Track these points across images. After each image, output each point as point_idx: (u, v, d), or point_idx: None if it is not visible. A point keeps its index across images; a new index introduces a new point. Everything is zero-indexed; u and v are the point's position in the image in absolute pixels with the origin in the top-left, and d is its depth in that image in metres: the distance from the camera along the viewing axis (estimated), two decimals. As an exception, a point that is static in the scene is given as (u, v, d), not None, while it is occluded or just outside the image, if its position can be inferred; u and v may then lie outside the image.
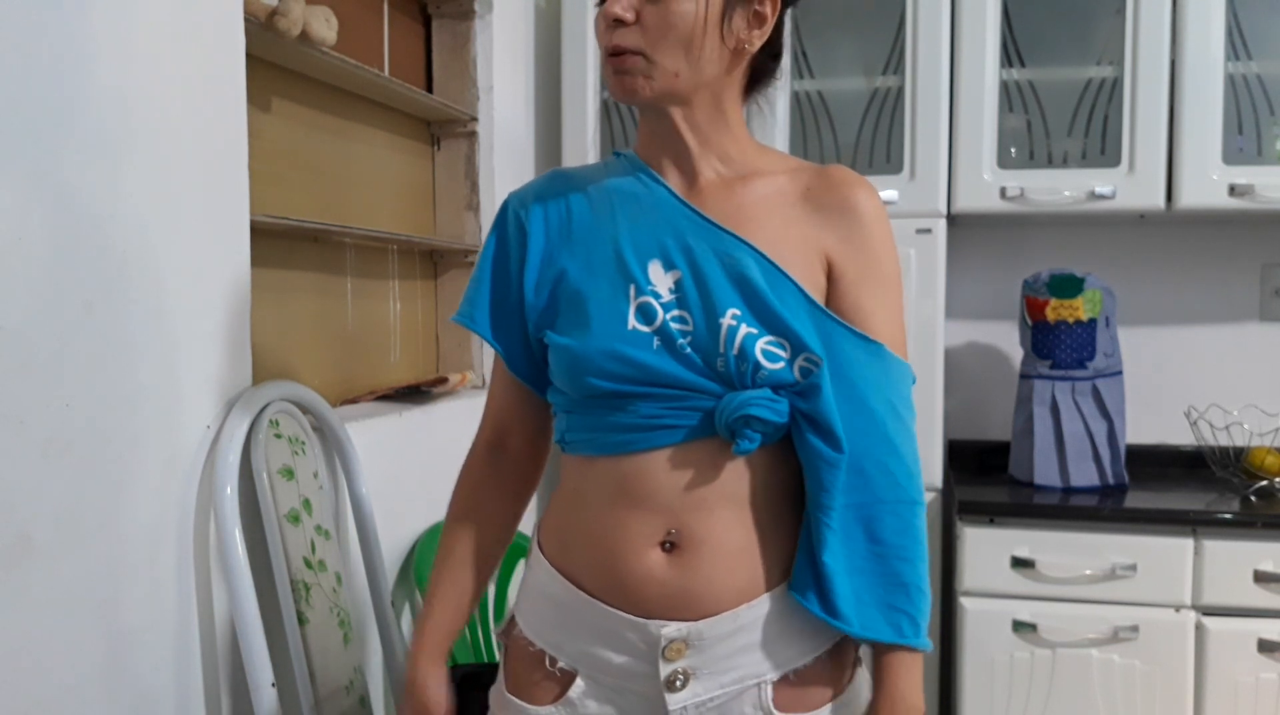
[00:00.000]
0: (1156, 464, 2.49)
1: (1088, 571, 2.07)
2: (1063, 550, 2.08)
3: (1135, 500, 2.17)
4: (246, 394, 1.42)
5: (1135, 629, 2.05)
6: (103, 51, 1.18)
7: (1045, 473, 2.28)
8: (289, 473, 1.47)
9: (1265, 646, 2.01)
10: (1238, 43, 2.21)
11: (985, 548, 2.11)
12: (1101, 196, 2.21)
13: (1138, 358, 2.50)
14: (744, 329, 1.01)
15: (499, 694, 1.15)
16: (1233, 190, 2.17)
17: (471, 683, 1.60)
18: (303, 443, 1.54)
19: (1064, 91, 2.32)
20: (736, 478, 1.04)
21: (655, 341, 1.03)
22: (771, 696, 1.05)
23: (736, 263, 1.04)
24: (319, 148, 1.81)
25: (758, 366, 1.00)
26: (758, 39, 1.07)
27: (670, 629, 1.03)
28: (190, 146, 1.33)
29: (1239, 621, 2.03)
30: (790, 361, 1.01)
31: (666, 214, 1.08)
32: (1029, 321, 2.32)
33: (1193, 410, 2.41)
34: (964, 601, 2.13)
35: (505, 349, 1.14)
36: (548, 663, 1.10)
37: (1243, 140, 2.24)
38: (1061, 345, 2.28)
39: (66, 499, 1.13)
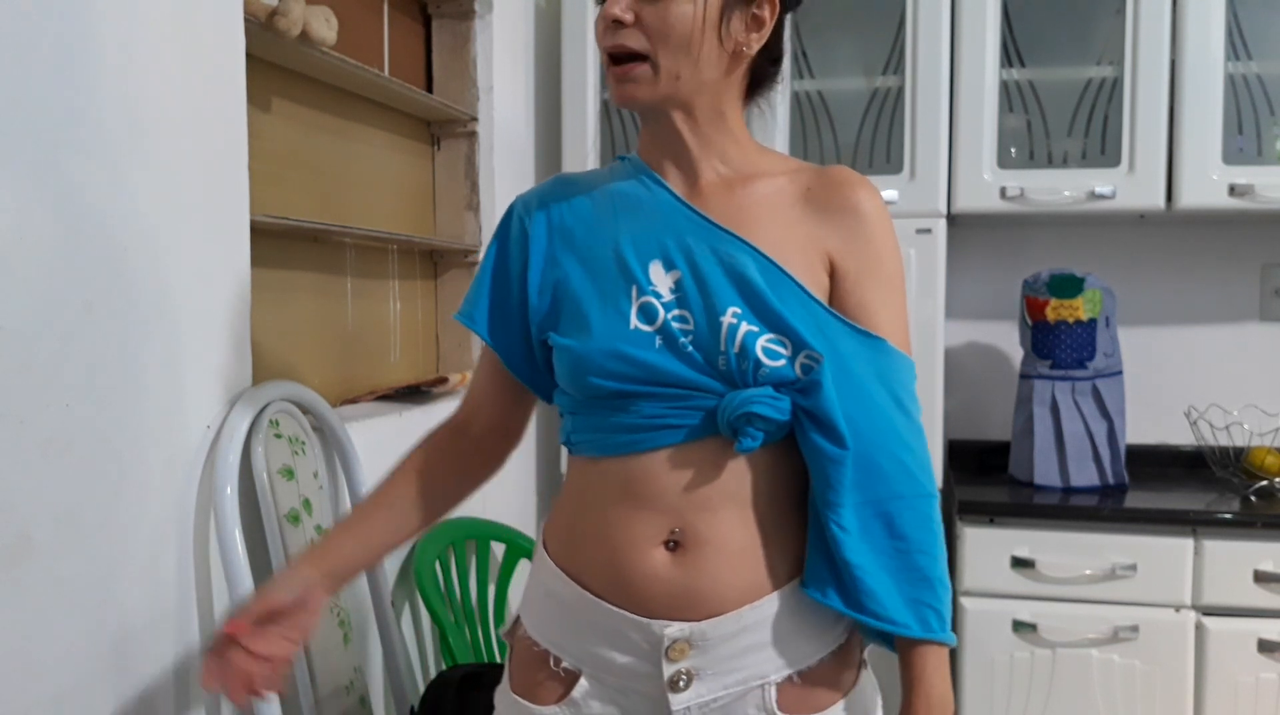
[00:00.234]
0: (1156, 464, 2.49)
1: (1088, 571, 2.07)
2: (1063, 550, 2.08)
3: (1135, 500, 2.17)
4: (247, 394, 1.42)
5: (1135, 629, 2.05)
6: (103, 52, 1.18)
7: (1045, 473, 2.28)
8: (289, 473, 1.47)
9: (1265, 646, 2.01)
10: (1238, 43, 2.21)
11: (985, 548, 2.11)
12: (1101, 196, 2.21)
13: (1138, 358, 2.50)
14: (744, 327, 1.01)
15: (504, 693, 1.15)
16: (1233, 190, 2.17)
17: (472, 683, 1.60)
18: (303, 443, 1.54)
19: (1064, 91, 2.32)
20: (740, 477, 1.04)
21: (657, 341, 1.03)
22: (775, 698, 1.04)
23: (735, 262, 1.04)
24: (319, 148, 1.81)
25: (759, 364, 1.01)
26: (756, 42, 1.07)
27: (673, 629, 1.03)
28: (190, 146, 1.32)
29: (1239, 621, 2.03)
30: (791, 359, 1.02)
31: (667, 215, 1.09)
32: (1029, 321, 2.32)
33: (1193, 410, 2.41)
34: (964, 601, 2.13)
35: (504, 350, 1.15)
36: (552, 663, 1.10)
37: (1243, 140, 2.25)
38: (1061, 345, 2.28)
39: (66, 499, 1.13)
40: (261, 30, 1.48)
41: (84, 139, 1.15)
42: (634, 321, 1.04)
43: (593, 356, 1.03)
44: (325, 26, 1.57)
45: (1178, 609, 2.05)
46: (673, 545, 1.04)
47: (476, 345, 2.24)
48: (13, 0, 1.06)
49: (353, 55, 1.73)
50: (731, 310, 1.02)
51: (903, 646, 1.05)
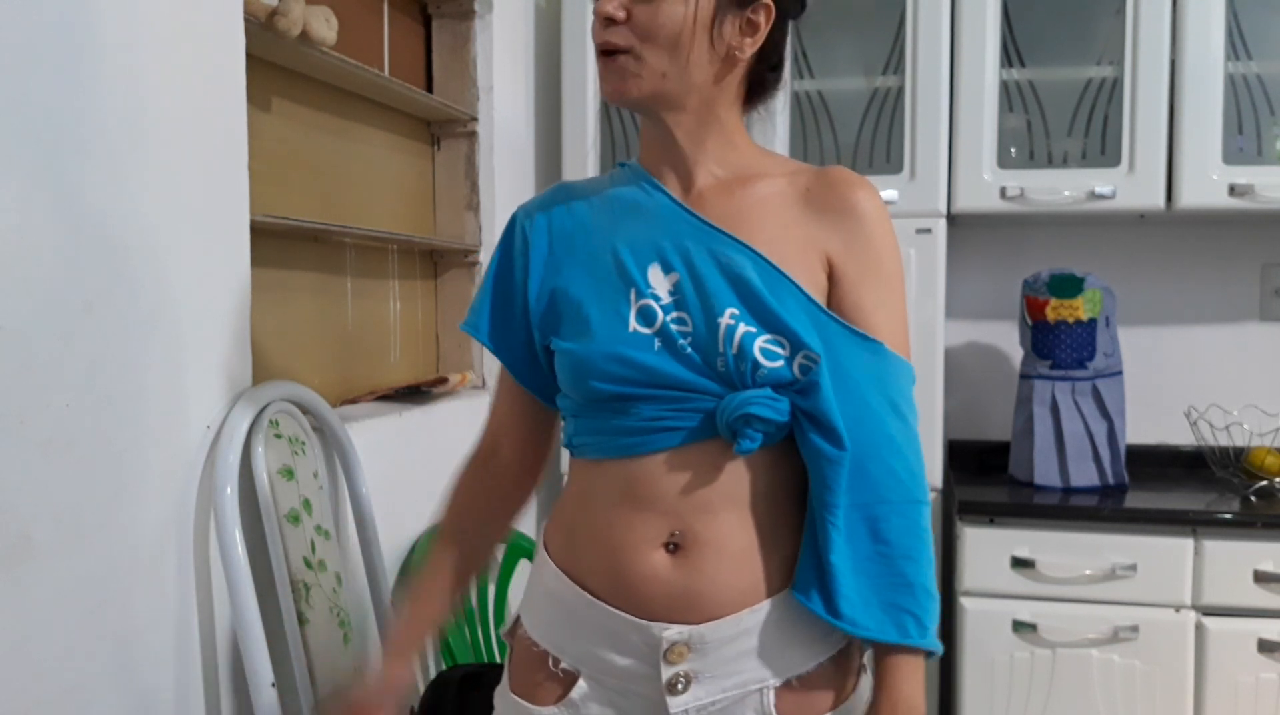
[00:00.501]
0: (1156, 464, 2.49)
1: (1088, 571, 2.07)
2: (1063, 550, 2.08)
3: (1135, 500, 2.17)
4: (247, 394, 1.42)
5: (1135, 629, 2.05)
6: (103, 52, 1.18)
7: (1045, 473, 2.28)
8: (289, 473, 1.47)
9: (1265, 646, 2.01)
10: (1238, 43, 2.21)
11: (985, 548, 2.11)
12: (1101, 196, 2.21)
13: (1138, 358, 2.50)
14: (742, 328, 1.01)
15: (504, 693, 1.15)
16: (1233, 190, 2.17)
17: (472, 683, 1.60)
18: (303, 443, 1.54)
19: (1064, 91, 2.32)
20: (739, 479, 1.04)
21: (656, 343, 1.03)
22: (774, 702, 1.04)
23: (732, 263, 1.04)
24: (319, 148, 1.81)
25: (756, 365, 1.01)
26: (749, 46, 1.07)
27: (672, 631, 1.03)
28: (190, 146, 1.33)
29: (1239, 621, 2.03)
30: (789, 359, 1.02)
31: (666, 219, 1.09)
32: (1029, 321, 2.32)
33: (1193, 410, 2.41)
34: (964, 601, 2.13)
35: (508, 358, 1.16)
36: (551, 663, 1.10)
37: (1243, 140, 2.25)
38: (1061, 345, 2.28)
39: (66, 499, 1.13)
40: (261, 30, 1.48)
41: (84, 139, 1.15)
42: (633, 324, 1.04)
43: (593, 360, 1.04)
44: (325, 26, 1.57)
45: (1178, 609, 2.05)
46: (673, 547, 1.04)
47: (476, 345, 2.24)
48: (14, 1, 1.06)
49: (353, 55, 1.73)
50: (729, 311, 1.02)
51: (878, 651, 1.05)
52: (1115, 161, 2.23)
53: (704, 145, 1.10)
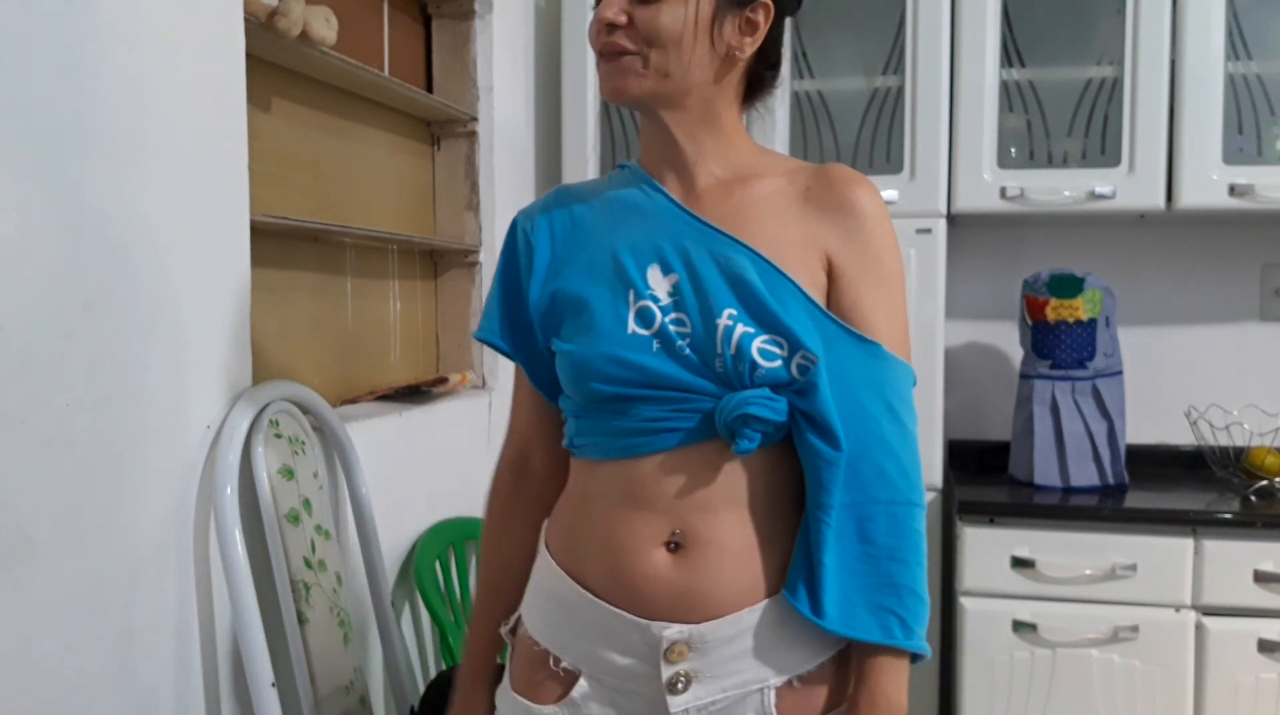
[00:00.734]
0: (1156, 464, 2.49)
1: (1088, 571, 2.07)
2: (1063, 550, 2.08)
3: (1135, 500, 2.17)
4: (247, 394, 1.42)
5: (1135, 629, 2.05)
6: (104, 52, 1.18)
7: (1045, 473, 2.28)
8: (289, 473, 1.47)
9: (1265, 646, 2.01)
10: (1238, 43, 2.21)
11: (985, 548, 2.11)
12: (1101, 196, 2.21)
13: (1138, 358, 2.50)
14: (740, 328, 1.01)
15: (505, 692, 1.15)
16: (1233, 190, 2.17)
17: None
18: (303, 443, 1.54)
19: (1064, 91, 2.32)
20: (738, 479, 1.04)
21: (655, 344, 1.03)
22: (774, 702, 1.04)
23: (732, 263, 1.04)
24: (319, 148, 1.81)
25: (754, 365, 1.01)
26: (749, 46, 1.08)
27: (672, 631, 1.03)
28: (190, 146, 1.33)
29: (1239, 621, 2.03)
30: (787, 360, 1.01)
31: (666, 220, 1.09)
32: (1029, 321, 2.32)
33: (1193, 410, 2.41)
34: (964, 601, 2.13)
35: (525, 361, 1.16)
36: (552, 662, 1.10)
37: (1243, 140, 2.25)
38: (1061, 345, 2.28)
39: (66, 499, 1.13)
40: (261, 30, 1.48)
41: (85, 139, 1.15)
42: (631, 326, 1.04)
43: (592, 361, 1.04)
44: (325, 26, 1.57)
45: (1178, 609, 2.05)
46: (674, 546, 1.04)
47: (477, 346, 2.24)
48: (14, 1, 1.06)
49: (353, 55, 1.73)
50: (728, 312, 1.02)
51: (859, 651, 1.04)
52: (1115, 161, 2.23)
53: (703, 144, 1.11)
